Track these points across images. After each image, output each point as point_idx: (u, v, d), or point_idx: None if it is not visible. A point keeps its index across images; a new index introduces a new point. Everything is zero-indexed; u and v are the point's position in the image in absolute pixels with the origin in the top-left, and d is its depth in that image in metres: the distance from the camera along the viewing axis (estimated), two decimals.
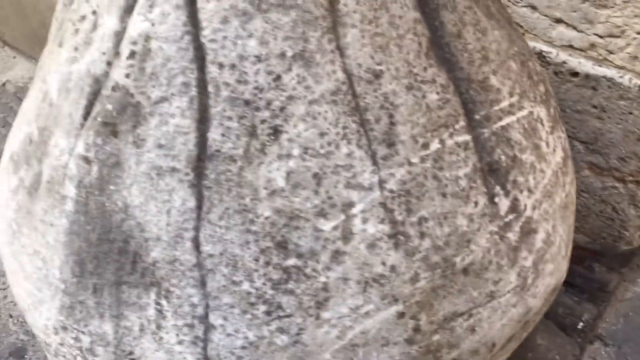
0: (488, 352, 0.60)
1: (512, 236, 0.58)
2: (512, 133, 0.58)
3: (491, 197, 0.56)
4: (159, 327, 0.55)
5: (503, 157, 0.57)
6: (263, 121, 0.49)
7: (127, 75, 0.51)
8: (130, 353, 0.57)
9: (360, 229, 0.51)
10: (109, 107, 0.52)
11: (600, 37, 0.88)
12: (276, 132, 0.49)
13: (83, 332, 0.58)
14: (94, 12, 0.53)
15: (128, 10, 0.51)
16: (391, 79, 0.50)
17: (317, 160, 0.49)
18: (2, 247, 0.66)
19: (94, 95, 0.53)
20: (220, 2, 0.48)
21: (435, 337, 0.56)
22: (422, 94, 0.52)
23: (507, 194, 0.57)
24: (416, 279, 0.53)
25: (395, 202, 0.51)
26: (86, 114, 0.54)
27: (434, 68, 0.52)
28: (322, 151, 0.49)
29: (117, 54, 0.51)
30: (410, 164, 0.52)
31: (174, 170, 0.50)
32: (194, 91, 0.49)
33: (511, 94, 0.58)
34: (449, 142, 0.53)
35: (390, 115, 0.51)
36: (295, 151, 0.49)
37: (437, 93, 0.53)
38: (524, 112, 0.59)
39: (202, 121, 0.50)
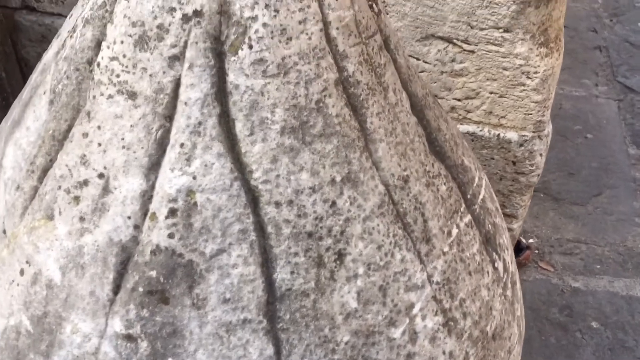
0: None
1: (509, 293, 0.65)
2: (487, 203, 0.65)
3: (493, 263, 0.63)
4: None
5: (490, 226, 0.64)
6: (327, 249, 0.49)
7: (171, 235, 0.47)
8: None
9: (422, 326, 0.54)
10: (152, 273, 0.47)
11: (459, 100, 1.02)
12: (341, 256, 0.50)
13: None
14: (102, 175, 0.48)
15: (153, 167, 0.48)
16: (415, 181, 0.54)
17: (380, 273, 0.51)
18: None
19: (123, 265, 0.48)
20: (266, 142, 0.47)
21: None
22: (436, 188, 0.57)
23: (499, 257, 0.64)
24: (467, 358, 0.57)
25: (442, 291, 0.55)
26: (116, 288, 0.48)
27: (437, 162, 0.58)
28: (381, 263, 0.51)
29: (151, 215, 0.47)
30: (444, 253, 0.56)
31: (245, 321, 0.48)
32: (252, 236, 0.48)
33: (476, 169, 0.66)
34: (462, 225, 0.59)
35: (422, 214, 0.54)
36: (361, 270, 0.50)
37: (444, 184, 0.58)
38: (484, 182, 0.68)
39: (266, 264, 0.48)
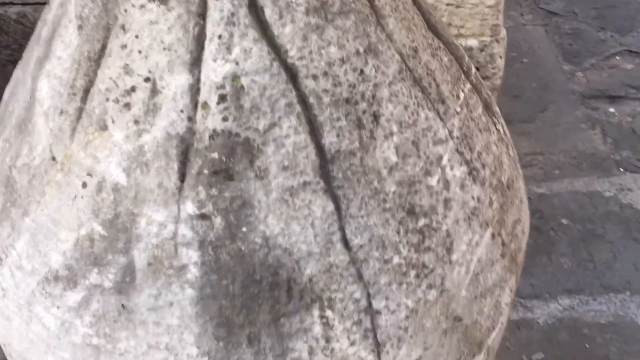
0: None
1: (512, 153, 0.73)
2: (478, 77, 0.72)
3: (495, 125, 0.70)
4: (328, 340, 0.56)
5: (486, 95, 0.71)
6: (364, 112, 0.55)
7: (225, 119, 0.52)
8: None
9: (452, 175, 0.60)
10: (214, 155, 0.52)
11: None
12: (376, 117, 0.55)
13: None
14: (148, 79, 0.53)
15: (196, 62, 0.52)
16: (422, 51, 0.61)
17: (410, 130, 0.57)
18: None
19: (185, 155, 0.53)
20: (294, 23, 0.52)
21: (512, 246, 0.67)
22: (440, 58, 0.63)
23: (498, 121, 0.71)
24: (491, 203, 0.64)
25: (462, 145, 0.62)
26: (182, 176, 0.53)
27: (435, 38, 0.64)
28: (410, 121, 0.57)
29: (203, 105, 0.52)
30: (457, 113, 0.62)
31: (305, 184, 0.53)
32: (298, 108, 0.53)
33: (459, 43, 0.73)
34: (466, 91, 0.65)
35: (434, 79, 0.61)
36: (395, 128, 0.56)
37: (445, 55, 0.64)
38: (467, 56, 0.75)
39: (314, 131, 0.53)
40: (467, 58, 0.71)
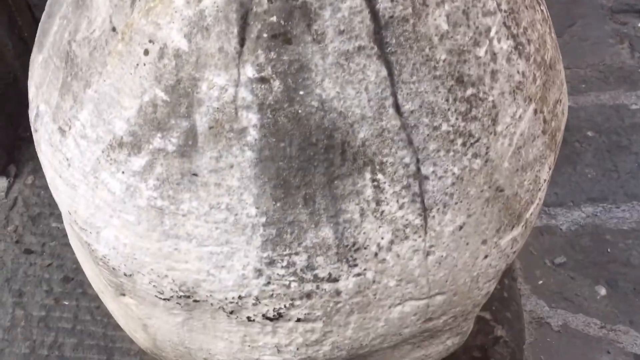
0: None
1: (554, 35, 0.73)
2: None
3: (539, 5, 0.70)
4: (378, 202, 0.59)
5: None
6: None
7: None
8: (354, 244, 0.60)
9: (499, 47, 0.61)
10: (272, 19, 0.54)
11: None
12: None
13: (297, 253, 0.59)
14: None
15: None
16: None
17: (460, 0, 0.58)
18: (136, 243, 0.62)
19: (244, 19, 0.54)
20: None
21: (553, 124, 0.69)
22: None
23: (542, 2, 0.72)
24: (535, 79, 0.66)
25: (509, 19, 0.63)
26: (241, 40, 0.54)
27: None
28: None
29: None
30: None
31: (360, 48, 0.55)
32: None
33: None
34: None
35: None
36: None
37: None
38: None
39: None
40: None
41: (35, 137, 0.70)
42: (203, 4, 0.54)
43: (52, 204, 1.21)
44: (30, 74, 0.74)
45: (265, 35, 0.54)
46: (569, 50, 1.90)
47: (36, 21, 1.35)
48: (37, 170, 1.26)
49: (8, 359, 1.04)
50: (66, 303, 1.09)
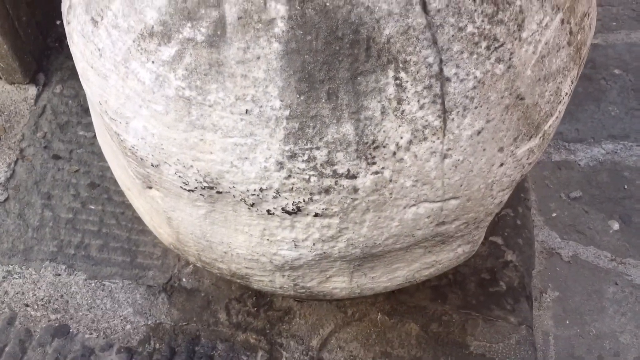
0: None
1: None
2: None
3: None
4: (399, 101, 0.60)
5: None
6: None
7: None
8: (373, 142, 0.61)
9: None
10: None
11: None
12: None
13: (317, 148, 0.61)
14: None
15: None
16: None
17: None
18: (164, 133, 0.64)
19: None
20: None
21: (579, 36, 0.69)
22: None
23: None
24: None
25: None
26: None
27: None
28: None
29: None
30: None
31: None
32: None
33: None
34: None
35: None
36: None
37: None
38: None
39: None
40: None
41: (67, 29, 0.72)
42: None
43: (80, 113, 1.24)
44: None
45: None
46: None
47: None
48: (66, 79, 1.28)
49: (37, 256, 1.09)
50: (92, 207, 1.13)
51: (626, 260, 1.30)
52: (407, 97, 0.60)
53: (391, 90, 0.60)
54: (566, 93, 0.70)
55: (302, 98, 0.59)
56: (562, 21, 0.66)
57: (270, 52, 0.58)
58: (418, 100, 0.60)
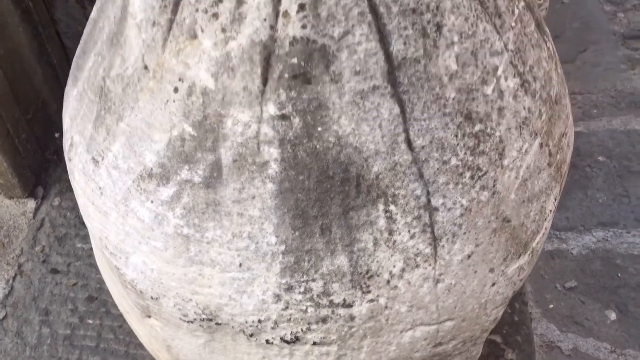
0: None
1: (560, 71, 0.77)
2: None
3: (546, 42, 0.74)
4: (391, 232, 0.62)
5: (538, 15, 0.75)
6: (428, 22, 0.60)
7: (304, 26, 0.57)
8: (367, 272, 0.63)
9: (505, 85, 0.65)
10: (293, 60, 0.58)
11: None
12: (439, 27, 0.60)
13: (313, 280, 0.63)
14: None
15: None
16: None
17: (470, 41, 0.62)
18: (163, 268, 0.66)
19: (267, 60, 0.58)
20: None
21: (558, 157, 0.73)
22: None
23: (548, 39, 0.76)
24: (541, 114, 0.69)
25: (515, 58, 0.66)
26: (264, 80, 0.59)
27: None
28: (470, 32, 0.62)
29: (283, 13, 0.57)
30: (512, 27, 0.67)
31: (374, 88, 0.59)
32: (369, 17, 0.58)
33: None
34: (520, 7, 0.70)
35: None
36: (455, 38, 0.61)
37: None
38: None
39: (383, 39, 0.59)
40: None
41: (68, 165, 0.74)
42: (229, 46, 0.59)
43: (78, 225, 1.26)
44: (65, 105, 0.79)
45: (286, 75, 0.58)
46: (581, 75, 1.93)
47: (64, 47, 1.41)
48: (64, 192, 1.31)
49: None
50: (90, 322, 1.13)
51: (626, 351, 1.29)
52: (397, 228, 0.62)
53: (382, 222, 0.62)
54: (550, 210, 0.73)
55: (296, 233, 0.61)
56: (541, 145, 0.69)
57: (264, 192, 0.60)
58: (408, 230, 0.62)
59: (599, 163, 1.65)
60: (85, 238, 1.24)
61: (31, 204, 1.28)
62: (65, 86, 1.40)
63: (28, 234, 1.24)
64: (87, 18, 1.24)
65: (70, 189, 1.31)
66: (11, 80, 1.21)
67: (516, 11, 0.68)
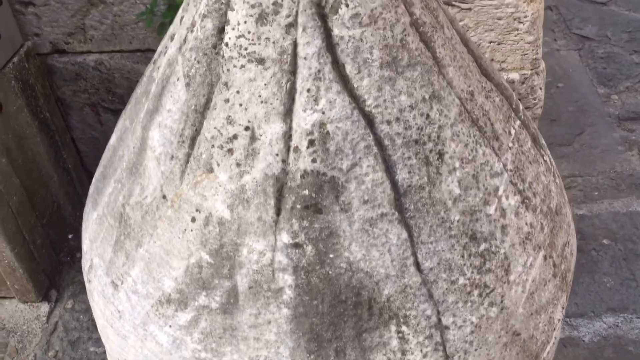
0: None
1: (558, 181, 0.80)
2: (526, 113, 0.81)
3: (542, 156, 0.78)
4: (403, 352, 0.64)
5: (533, 129, 0.79)
6: (430, 150, 0.63)
7: (314, 160, 0.61)
8: None
9: (507, 204, 0.68)
10: (305, 192, 0.61)
11: None
12: (441, 155, 0.64)
13: None
14: (247, 128, 0.62)
15: (288, 113, 0.61)
16: (478, 94, 0.69)
17: (470, 165, 0.66)
18: None
19: (280, 192, 0.62)
20: (371, 77, 0.61)
21: (562, 266, 0.75)
22: (492, 100, 0.71)
23: (545, 153, 0.79)
24: (542, 228, 0.72)
25: (515, 176, 0.70)
26: (278, 210, 0.62)
27: (487, 81, 0.73)
28: (470, 157, 0.66)
29: (294, 148, 0.61)
30: (510, 148, 0.71)
31: (382, 215, 0.62)
32: (375, 149, 0.62)
33: (511, 89, 0.81)
34: (516, 127, 0.74)
35: (489, 119, 0.69)
36: (457, 164, 0.65)
37: (497, 96, 0.73)
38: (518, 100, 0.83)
39: (389, 169, 0.62)
40: (515, 97, 0.79)
41: (88, 287, 0.77)
42: (244, 179, 0.62)
43: (90, 328, 1.27)
44: (84, 226, 0.82)
45: (298, 206, 0.61)
46: (580, 158, 1.97)
47: (79, 151, 1.46)
48: (77, 294, 1.33)
49: None
50: None
51: None
52: (410, 348, 0.64)
53: (395, 343, 0.63)
54: (559, 319, 0.74)
55: (312, 357, 0.63)
56: (545, 257, 0.71)
57: (280, 317, 0.62)
58: (421, 350, 0.64)
59: (604, 246, 1.67)
60: (98, 341, 1.25)
61: (45, 307, 1.30)
62: (78, 188, 1.45)
63: (41, 339, 1.25)
64: (101, 124, 1.31)
65: (83, 291, 1.33)
66: (28, 189, 1.26)
67: (512, 131, 0.72)
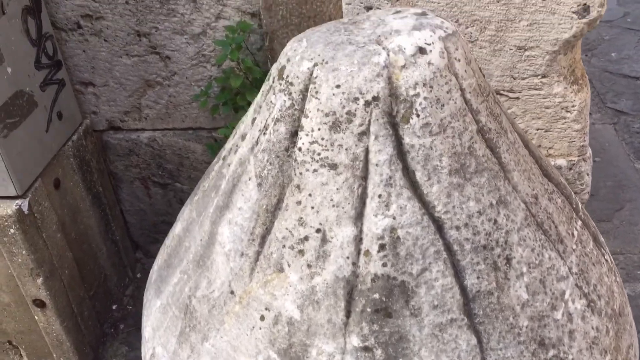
0: None
1: (619, 280, 0.80)
2: (584, 210, 0.81)
3: (604, 256, 0.78)
4: None
5: (593, 228, 0.80)
6: (499, 256, 0.64)
7: (384, 265, 0.62)
8: None
9: (573, 308, 0.68)
10: (375, 295, 0.62)
11: None
12: (509, 260, 0.65)
13: None
14: (319, 230, 0.64)
15: (359, 217, 0.63)
16: (541, 197, 0.70)
17: (537, 270, 0.66)
18: None
19: (350, 295, 0.63)
20: (440, 183, 0.63)
21: None
22: (555, 201, 0.72)
23: (605, 251, 0.79)
24: (608, 331, 0.71)
25: (580, 279, 0.70)
26: (348, 312, 0.63)
27: (549, 182, 0.74)
28: (537, 261, 0.66)
29: (365, 252, 0.62)
30: (574, 250, 0.71)
31: (452, 321, 0.62)
32: (444, 254, 0.63)
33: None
34: (578, 228, 0.74)
35: (553, 221, 0.70)
36: (524, 269, 0.65)
37: (559, 197, 0.74)
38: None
39: (458, 274, 0.63)
40: (574, 195, 0.80)
41: None
42: (314, 280, 0.63)
43: None
44: (145, 313, 0.83)
45: (368, 309, 0.62)
46: (620, 234, 1.95)
47: (126, 223, 1.49)
48: None
49: None
50: None
51: None
52: None
53: None
54: None
55: None
56: None
57: None
58: None
59: None
60: None
61: None
62: (124, 259, 1.47)
63: None
64: (149, 197, 1.34)
65: None
66: (79, 262, 1.28)
67: (575, 233, 0.72)
